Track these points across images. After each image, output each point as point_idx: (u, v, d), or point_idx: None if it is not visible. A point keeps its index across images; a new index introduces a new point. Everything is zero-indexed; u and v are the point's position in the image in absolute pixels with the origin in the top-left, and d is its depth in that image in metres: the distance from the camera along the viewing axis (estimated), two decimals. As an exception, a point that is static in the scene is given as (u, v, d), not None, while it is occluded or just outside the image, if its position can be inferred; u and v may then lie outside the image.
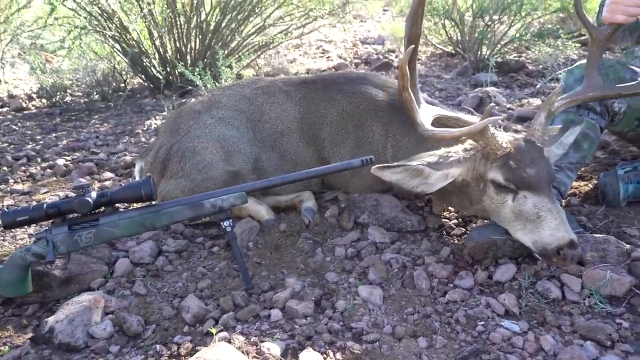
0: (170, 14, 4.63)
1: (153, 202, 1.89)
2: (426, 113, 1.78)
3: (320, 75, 2.54)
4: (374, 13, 12.30)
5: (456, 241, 2.16)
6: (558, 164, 2.11)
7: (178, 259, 2.12)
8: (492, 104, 1.86)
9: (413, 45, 1.57)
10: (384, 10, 12.73)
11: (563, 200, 2.35)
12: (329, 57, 6.84)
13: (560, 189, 2.13)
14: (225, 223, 1.87)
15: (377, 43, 7.77)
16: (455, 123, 1.84)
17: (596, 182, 2.45)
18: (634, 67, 2.29)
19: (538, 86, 4.51)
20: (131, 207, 2.22)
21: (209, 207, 1.85)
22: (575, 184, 2.56)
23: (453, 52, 6.13)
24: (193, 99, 4.11)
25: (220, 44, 5.02)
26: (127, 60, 4.93)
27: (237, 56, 4.95)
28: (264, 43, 5.24)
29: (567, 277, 1.79)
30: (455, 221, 2.32)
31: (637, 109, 2.26)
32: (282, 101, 2.47)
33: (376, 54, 6.59)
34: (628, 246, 1.86)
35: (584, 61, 2.14)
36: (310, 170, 1.93)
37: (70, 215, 1.79)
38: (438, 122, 1.82)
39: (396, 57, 6.62)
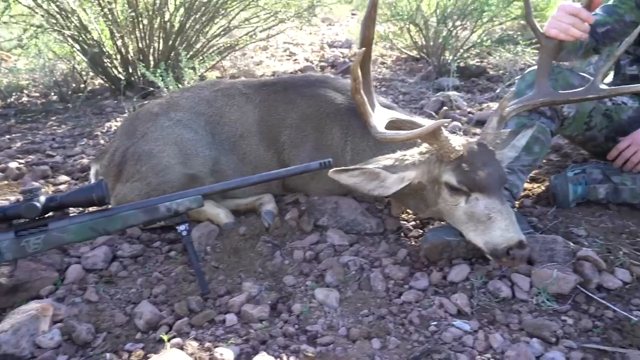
0: (132, 14, 4.54)
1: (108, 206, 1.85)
2: (380, 116, 1.81)
3: (281, 78, 2.54)
4: (342, 17, 12.39)
5: (413, 243, 2.19)
6: (511, 166, 2.17)
7: (133, 264, 2.08)
8: (445, 107, 1.90)
9: (364, 48, 1.59)
10: (352, 14, 12.81)
11: (516, 202, 2.42)
12: (295, 59, 6.84)
13: (513, 190, 2.19)
14: (181, 227, 1.84)
15: (345, 46, 7.82)
16: (410, 126, 1.87)
17: (548, 184, 2.53)
18: (583, 74, 2.38)
19: (497, 91, 4.63)
20: (85, 212, 2.16)
21: (164, 211, 1.82)
22: (528, 185, 2.64)
23: (418, 56, 6.23)
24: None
25: (184, 45, 4.96)
26: (87, 61, 4.80)
27: (201, 58, 4.89)
28: (229, 45, 5.20)
29: (517, 276, 1.84)
30: (414, 223, 2.36)
31: (585, 114, 2.35)
32: (241, 104, 2.46)
33: (342, 58, 6.63)
34: (574, 246, 1.93)
35: (536, 67, 2.21)
36: (268, 173, 1.93)
37: (18, 220, 1.73)
38: (393, 125, 1.85)
39: (362, 60, 6.68)
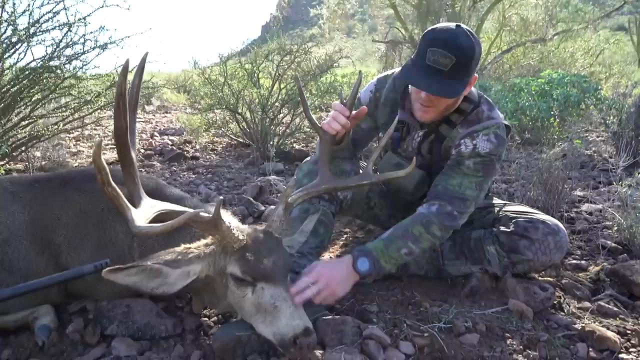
0: None
1: None
2: (146, 209, 1.70)
3: (57, 173, 2.30)
4: (179, 104, 12.43)
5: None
6: (301, 250, 2.22)
7: None
8: (220, 197, 1.87)
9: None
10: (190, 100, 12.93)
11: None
12: (121, 148, 6.50)
13: (303, 275, 2.22)
14: None
15: (177, 134, 7.73)
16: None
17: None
18: (353, 160, 2.63)
19: (317, 173, 4.91)
20: None
21: None
22: (333, 265, 2.72)
23: (246, 142, 6.41)
24: None
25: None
26: None
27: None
28: (33, 135, 4.71)
29: (310, 365, 1.79)
30: (215, 318, 2.22)
31: (363, 195, 2.60)
32: (7, 204, 2.14)
33: (171, 145, 6.51)
34: (363, 324, 1.97)
35: (310, 158, 2.49)
36: (20, 286, 1.65)
37: None
38: (163, 217, 1.75)
39: (192, 147, 6.64)
